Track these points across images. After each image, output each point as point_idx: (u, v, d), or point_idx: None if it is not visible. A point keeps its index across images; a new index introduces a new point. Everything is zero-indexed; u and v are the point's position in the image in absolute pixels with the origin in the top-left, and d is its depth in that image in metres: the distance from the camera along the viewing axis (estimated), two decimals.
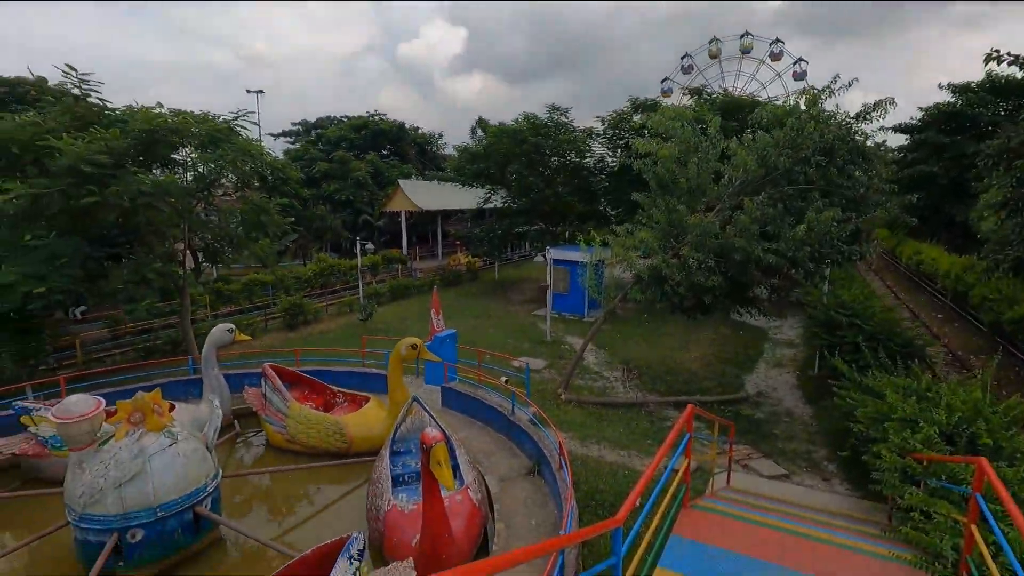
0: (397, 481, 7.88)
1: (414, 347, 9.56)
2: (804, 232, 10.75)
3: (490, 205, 28.96)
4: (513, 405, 9.84)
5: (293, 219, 28.36)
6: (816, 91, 12.18)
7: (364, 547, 5.15)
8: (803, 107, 12.18)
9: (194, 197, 13.87)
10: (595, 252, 14.33)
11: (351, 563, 4.94)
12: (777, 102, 21.35)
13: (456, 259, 32.19)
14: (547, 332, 18.62)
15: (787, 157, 11.61)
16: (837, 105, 12.88)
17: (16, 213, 10.50)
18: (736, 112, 21.74)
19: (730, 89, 46.30)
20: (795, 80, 47.88)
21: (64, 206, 10.28)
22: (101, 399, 6.69)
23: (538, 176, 26.09)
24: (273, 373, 10.21)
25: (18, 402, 9.21)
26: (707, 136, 12.52)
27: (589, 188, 26.98)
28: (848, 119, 12.43)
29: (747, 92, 45.61)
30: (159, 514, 6.35)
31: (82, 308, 19.98)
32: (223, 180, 16.00)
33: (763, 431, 11.53)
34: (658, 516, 4.59)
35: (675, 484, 5.05)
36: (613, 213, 28.01)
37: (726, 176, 12.32)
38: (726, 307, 12.79)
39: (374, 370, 12.47)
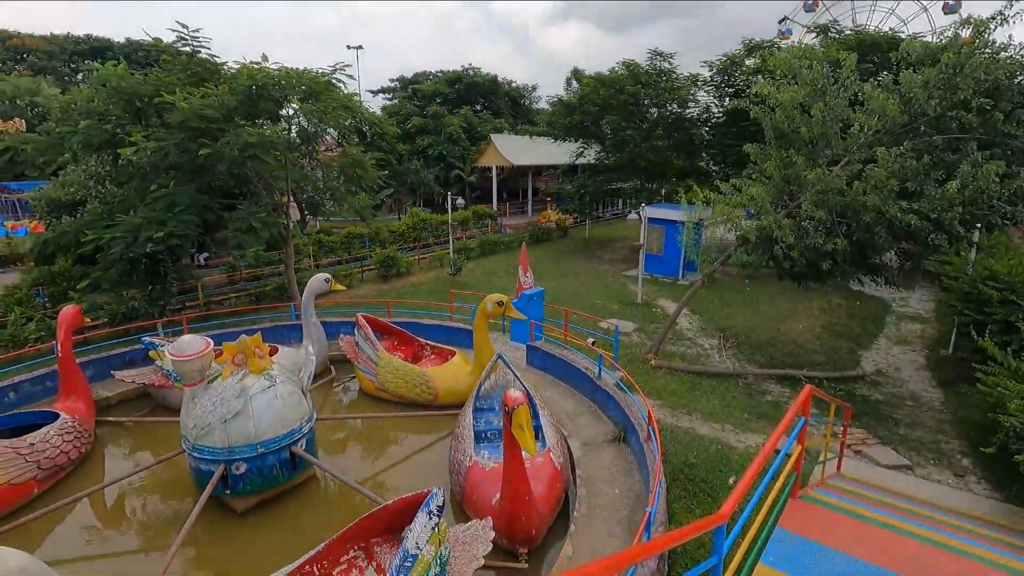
0: (479, 437, 7.85)
1: (500, 304, 9.37)
2: (956, 189, 9.12)
3: (583, 160, 27.90)
4: (600, 368, 9.46)
5: (387, 173, 29.16)
6: (982, 20, 10.08)
7: (443, 503, 5.11)
8: (963, 39, 10.15)
9: (297, 151, 14.42)
10: (696, 210, 13.26)
11: (430, 518, 4.90)
12: (924, 38, 18.27)
13: (546, 216, 31.66)
14: (638, 294, 17.84)
15: (939, 100, 9.81)
16: (1011, 36, 10.63)
17: (145, 164, 11.42)
18: (871, 52, 18.89)
19: (863, 26, 40.61)
20: (945, 14, 40.97)
21: (180, 159, 10.99)
22: (210, 340, 7.11)
23: (635, 129, 24.60)
24: (365, 323, 10.51)
25: (146, 337, 10.21)
26: (837, 79, 10.87)
27: (691, 142, 25.09)
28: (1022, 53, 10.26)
29: (884, 29, 39.80)
30: (259, 450, 6.74)
31: (205, 255, 21.96)
32: (324, 135, 16.54)
33: (881, 414, 10.31)
34: (765, 508, 4.07)
35: (785, 472, 4.47)
36: (715, 169, 25.97)
37: (856, 125, 10.68)
38: (845, 274, 11.36)
39: (460, 325, 12.54)
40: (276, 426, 6.86)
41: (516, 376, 8.38)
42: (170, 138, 10.75)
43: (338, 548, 5.12)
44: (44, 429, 7.63)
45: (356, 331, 10.48)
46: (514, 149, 31.52)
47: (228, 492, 6.82)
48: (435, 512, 4.94)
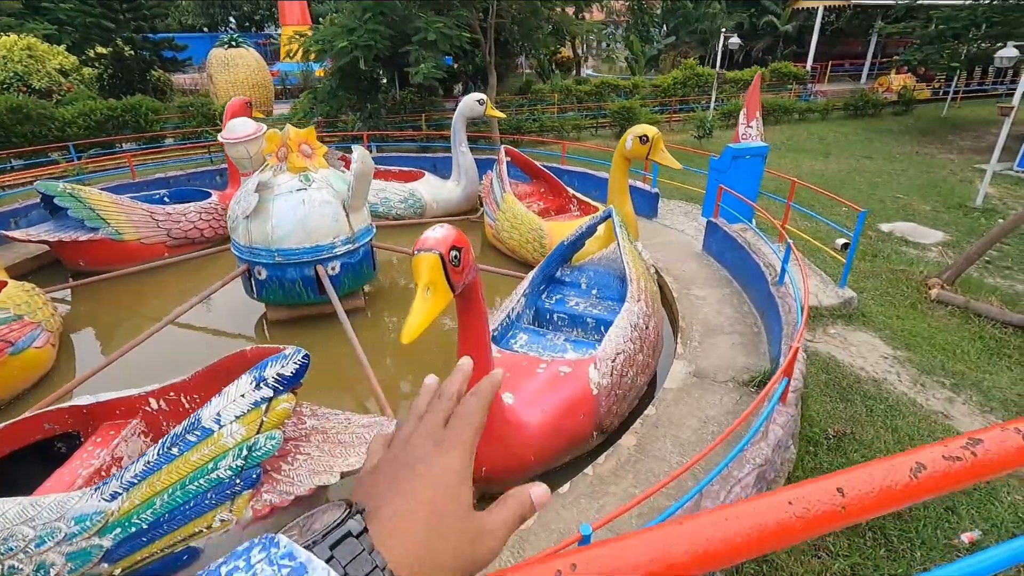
0: (542, 317, 5.53)
1: (644, 140, 6.20)
2: None
3: None
4: (784, 267, 5.66)
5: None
6: None
7: (301, 370, 3.29)
8: None
9: None
10: None
11: (258, 387, 3.15)
12: None
13: (885, 82, 22.57)
14: (979, 193, 11.06)
15: None
16: None
17: None
18: None
19: None
20: None
21: None
22: (263, 125, 6.25)
23: None
24: (504, 157, 8.56)
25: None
26: None
27: None
28: None
29: None
30: (277, 258, 5.84)
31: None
32: None
33: None
34: None
35: None
36: None
37: None
38: None
39: (639, 183, 9.43)
40: (298, 236, 5.81)
41: (621, 246, 5.44)
42: None
43: (204, 382, 3.86)
44: (188, 204, 8.30)
45: (495, 167, 8.65)
46: None
47: (255, 296, 6.28)
48: (271, 381, 3.16)
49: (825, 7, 23.66)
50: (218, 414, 3.07)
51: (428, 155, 13.17)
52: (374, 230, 6.71)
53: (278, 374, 3.17)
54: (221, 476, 2.99)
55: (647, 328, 4.87)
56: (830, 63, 25.27)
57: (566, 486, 3.72)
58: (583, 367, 4.22)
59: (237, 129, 6.47)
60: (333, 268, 6.07)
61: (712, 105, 18.30)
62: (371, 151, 14.06)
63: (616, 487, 3.77)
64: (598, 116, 18.60)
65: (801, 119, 20.02)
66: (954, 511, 3.98)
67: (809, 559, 3.56)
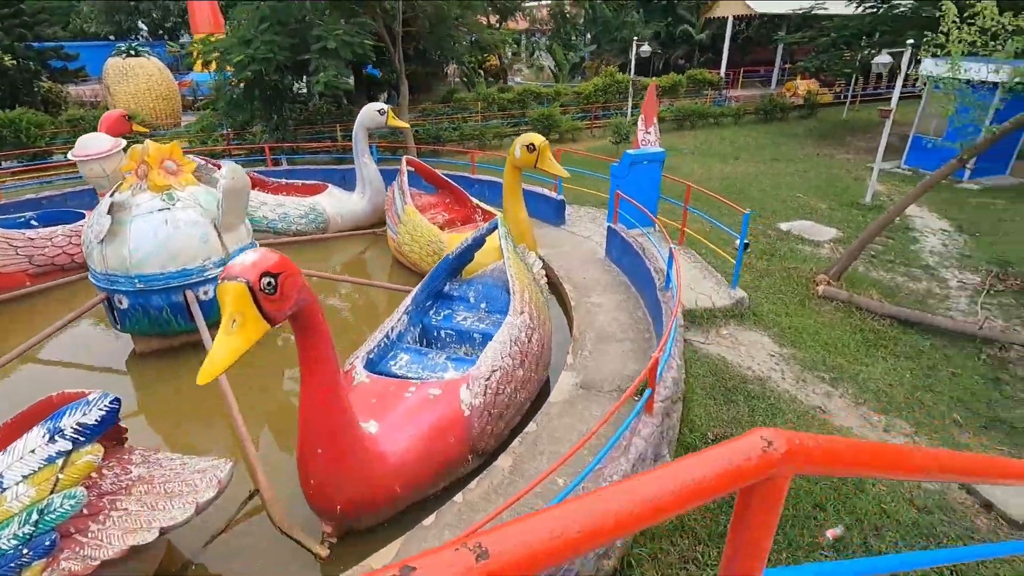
0: (431, 335, 5.32)
1: (531, 148, 6.13)
2: None
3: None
4: (669, 274, 5.68)
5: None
6: None
7: (106, 418, 2.93)
8: None
9: None
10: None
11: (52, 440, 2.76)
12: None
13: (792, 87, 23.87)
14: (868, 191, 11.76)
15: None
16: None
17: None
18: None
19: None
20: None
21: None
22: (121, 141, 5.75)
23: None
24: (405, 167, 8.31)
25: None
26: None
27: None
28: None
29: None
30: (138, 285, 5.35)
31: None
32: None
33: None
34: None
35: None
36: None
37: None
38: None
39: (544, 190, 9.42)
40: (161, 259, 5.35)
41: (505, 257, 5.31)
42: None
43: (9, 436, 3.41)
44: (53, 228, 7.57)
45: (396, 178, 8.39)
46: None
47: (118, 327, 5.74)
48: (70, 432, 2.79)
49: (734, 17, 24.79)
50: (2, 474, 2.68)
51: (342, 167, 12.72)
52: None
53: (78, 424, 2.81)
54: (3, 547, 2.60)
55: (530, 341, 4.75)
56: (742, 70, 26.51)
57: (431, 517, 3.52)
58: (454, 388, 4.04)
59: (89, 146, 5.90)
60: (206, 292, 5.63)
61: (629, 111, 18.71)
62: (280, 163, 13.47)
63: (486, 514, 3.60)
64: (519, 124, 18.64)
65: (716, 123, 20.82)
66: (822, 508, 4.05)
67: (677, 572, 3.51)
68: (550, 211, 9.00)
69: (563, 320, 6.65)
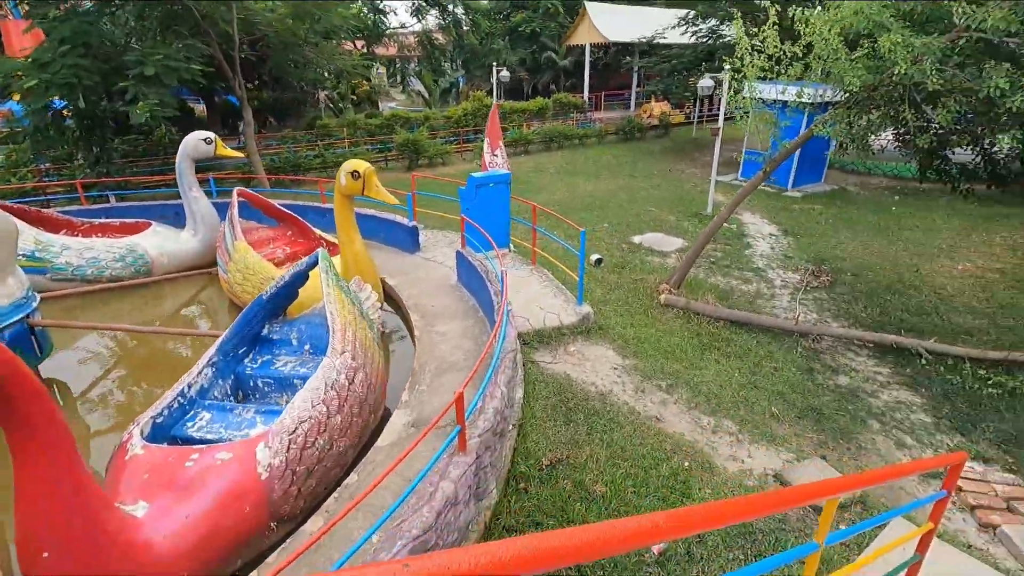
0: (245, 386, 4.75)
1: (356, 175, 5.81)
2: None
3: (700, 29, 20.70)
4: (503, 291, 5.58)
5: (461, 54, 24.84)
6: None
7: None
8: None
9: None
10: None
11: None
12: None
13: (648, 109, 25.75)
14: (709, 203, 12.78)
15: None
16: None
17: None
18: None
19: None
20: None
21: None
22: None
23: None
24: (236, 200, 7.61)
25: None
26: None
27: None
28: None
29: None
30: None
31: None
32: None
33: None
34: None
35: None
36: None
37: None
38: None
39: (397, 217, 9.12)
40: None
41: (326, 292, 4.90)
42: None
43: None
44: None
45: (227, 211, 7.65)
46: (613, 21, 25.30)
47: None
48: None
49: (591, 45, 26.39)
50: None
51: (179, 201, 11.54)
52: (33, 304, 5.37)
53: None
54: None
55: (352, 383, 4.37)
56: (603, 93, 28.23)
57: None
58: (248, 449, 3.56)
59: None
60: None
61: None
62: (108, 200, 11.96)
63: None
64: (386, 149, 18.26)
65: (581, 144, 21.82)
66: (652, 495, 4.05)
67: None
68: (404, 238, 8.70)
69: (412, 352, 6.33)
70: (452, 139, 20.22)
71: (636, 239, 10.83)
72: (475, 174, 8.11)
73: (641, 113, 25.83)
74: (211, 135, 8.21)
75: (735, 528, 4.06)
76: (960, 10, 5.01)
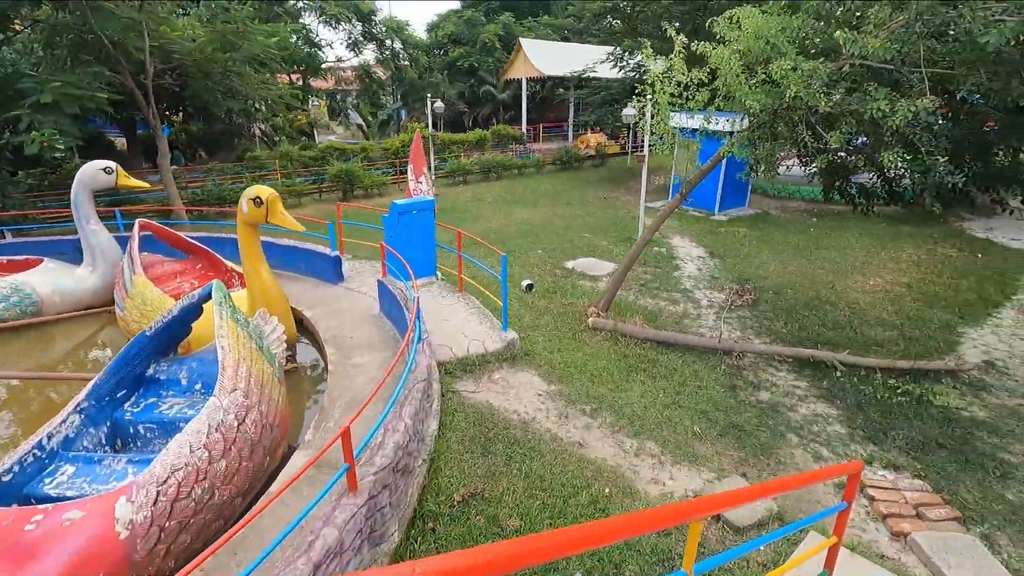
0: (125, 433, 4.27)
1: (258, 202, 5.51)
2: None
3: (628, 64, 21.65)
4: (418, 326, 5.36)
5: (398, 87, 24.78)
6: None
7: None
8: None
9: None
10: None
11: None
12: None
13: (585, 140, 26.48)
14: (640, 227, 13.05)
15: None
16: None
17: None
18: None
19: None
20: None
21: None
22: None
23: None
24: (137, 232, 7.10)
25: None
26: None
27: None
28: None
29: None
30: None
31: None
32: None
33: (977, 449, 5.47)
34: None
35: None
36: None
37: None
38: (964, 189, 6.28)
39: (318, 247, 8.78)
40: None
41: (218, 326, 4.53)
42: None
43: None
44: None
45: (127, 245, 7.12)
46: (548, 57, 26.14)
47: None
48: None
49: (528, 79, 27.07)
50: None
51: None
52: None
53: None
54: None
55: (242, 423, 4.00)
56: (541, 125, 28.88)
57: None
58: (105, 505, 3.14)
59: None
60: None
61: (432, 165, 19.01)
62: (2, 236, 11.02)
63: None
64: (320, 180, 17.84)
65: (520, 174, 22.10)
66: (554, 567, 3.82)
67: None
68: (326, 268, 8.36)
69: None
70: (389, 170, 20.04)
71: (569, 264, 10.87)
72: (398, 201, 7.92)
73: (579, 144, 26.53)
74: (111, 164, 7.70)
75: (654, 555, 3.90)
76: (844, 38, 5.32)
